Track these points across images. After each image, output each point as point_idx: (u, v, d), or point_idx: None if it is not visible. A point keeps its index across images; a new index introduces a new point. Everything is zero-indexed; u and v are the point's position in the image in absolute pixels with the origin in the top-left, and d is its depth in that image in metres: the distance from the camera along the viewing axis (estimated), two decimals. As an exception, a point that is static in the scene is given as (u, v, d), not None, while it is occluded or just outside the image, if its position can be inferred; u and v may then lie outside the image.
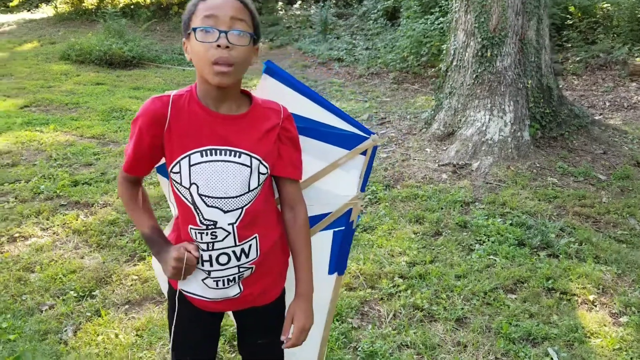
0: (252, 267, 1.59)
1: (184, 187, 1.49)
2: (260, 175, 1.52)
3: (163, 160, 1.57)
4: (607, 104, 8.30)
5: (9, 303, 3.05)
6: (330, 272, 1.92)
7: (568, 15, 10.29)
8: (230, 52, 1.40)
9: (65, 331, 2.84)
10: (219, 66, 1.39)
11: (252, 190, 1.52)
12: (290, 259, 1.72)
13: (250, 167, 1.50)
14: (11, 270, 3.37)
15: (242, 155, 1.49)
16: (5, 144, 5.70)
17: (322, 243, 1.85)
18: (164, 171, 1.63)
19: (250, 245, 1.55)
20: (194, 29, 1.41)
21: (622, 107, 8.11)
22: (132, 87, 8.71)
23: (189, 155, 1.47)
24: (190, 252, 1.51)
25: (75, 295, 3.14)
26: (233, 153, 1.49)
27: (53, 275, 3.31)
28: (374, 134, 1.81)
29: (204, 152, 1.47)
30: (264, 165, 1.52)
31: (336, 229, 1.87)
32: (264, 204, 1.57)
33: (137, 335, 2.81)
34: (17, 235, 3.82)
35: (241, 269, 1.57)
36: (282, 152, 1.58)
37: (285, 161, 1.60)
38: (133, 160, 1.54)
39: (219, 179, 1.48)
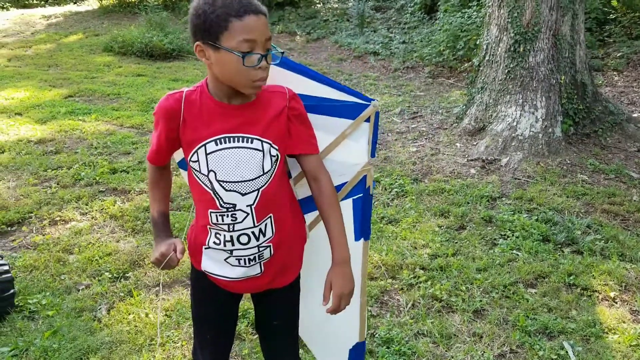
0: (270, 246, 1.69)
1: (203, 175, 1.61)
2: (272, 158, 1.63)
3: (182, 155, 1.70)
4: (647, 101, 8.11)
5: (49, 282, 3.24)
6: (357, 238, 1.97)
7: (611, 10, 10.06)
8: (266, 71, 1.54)
9: (99, 309, 3.02)
10: (258, 82, 1.54)
11: (267, 172, 1.62)
12: (320, 233, 1.80)
13: (262, 151, 1.61)
14: (51, 251, 3.57)
15: (254, 141, 1.60)
16: (50, 132, 5.96)
17: (343, 212, 1.89)
18: (184, 165, 1.77)
19: (265, 225, 1.66)
20: (230, 50, 1.47)
21: (663, 105, 7.92)
22: (171, 78, 8.94)
23: (204, 145, 1.59)
24: (176, 253, 1.66)
25: (109, 276, 3.32)
26: (245, 139, 1.60)
27: (90, 257, 3.50)
28: (373, 100, 1.87)
29: (218, 141, 1.59)
30: (274, 148, 1.63)
31: (355, 197, 1.94)
32: (278, 185, 1.68)
33: (166, 315, 2.97)
34: (58, 219, 4.04)
35: (260, 249, 1.68)
36: (293, 131, 1.68)
37: (297, 139, 1.70)
38: (154, 152, 1.70)
39: (235, 164, 1.59)
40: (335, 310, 1.72)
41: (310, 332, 2.18)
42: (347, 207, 1.94)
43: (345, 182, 1.93)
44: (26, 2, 16.71)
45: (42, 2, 17.06)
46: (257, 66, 1.51)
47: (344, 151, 1.90)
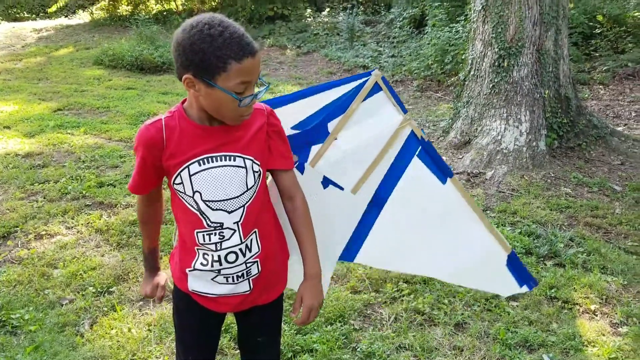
0: (257, 261, 1.73)
1: (188, 196, 1.63)
2: (255, 174, 1.66)
3: None
4: (633, 114, 8.20)
5: (32, 296, 3.24)
6: (444, 181, 2.00)
7: (597, 25, 10.20)
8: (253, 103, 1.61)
9: (82, 324, 3.02)
10: (246, 116, 1.61)
11: (250, 188, 1.66)
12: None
13: (245, 167, 1.64)
14: (36, 265, 3.57)
15: (237, 158, 1.64)
16: (38, 145, 5.97)
17: (418, 170, 1.99)
18: None
19: (251, 240, 1.70)
20: (226, 91, 1.51)
21: (649, 118, 8.02)
22: (161, 92, 8.97)
23: (188, 166, 1.61)
24: (157, 296, 1.91)
25: (94, 291, 3.32)
26: (228, 158, 1.63)
27: (74, 272, 3.50)
28: (373, 70, 1.95)
29: (201, 161, 1.61)
30: (257, 164, 1.66)
31: (417, 153, 1.99)
32: (261, 201, 1.72)
33: (148, 330, 2.97)
34: (43, 233, 4.04)
35: (248, 264, 1.71)
36: (272, 147, 1.73)
37: (277, 154, 1.75)
38: (139, 181, 1.71)
39: (220, 183, 1.63)
40: (304, 322, 1.77)
41: (463, 277, 2.16)
42: (417, 164, 1.99)
43: (399, 150, 1.98)
44: (17, 15, 16.74)
45: (33, 16, 17.09)
46: (248, 104, 1.57)
47: (376, 126, 1.97)
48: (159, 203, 1.84)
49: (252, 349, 1.97)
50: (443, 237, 2.05)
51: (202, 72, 1.51)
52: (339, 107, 1.94)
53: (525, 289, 2.08)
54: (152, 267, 1.93)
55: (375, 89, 1.95)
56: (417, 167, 1.99)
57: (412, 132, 1.97)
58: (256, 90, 1.59)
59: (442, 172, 2.00)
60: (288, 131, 1.88)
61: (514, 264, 2.07)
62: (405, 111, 1.99)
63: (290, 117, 1.92)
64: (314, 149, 1.97)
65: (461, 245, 2.05)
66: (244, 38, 1.51)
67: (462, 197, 2.02)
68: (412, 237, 2.06)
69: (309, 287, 1.77)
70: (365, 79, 1.93)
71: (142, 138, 1.62)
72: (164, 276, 1.92)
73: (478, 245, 2.02)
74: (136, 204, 1.86)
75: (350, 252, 2.10)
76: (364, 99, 1.95)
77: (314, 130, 1.96)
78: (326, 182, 2.01)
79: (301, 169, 1.97)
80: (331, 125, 1.95)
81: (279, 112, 1.83)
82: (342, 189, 2.01)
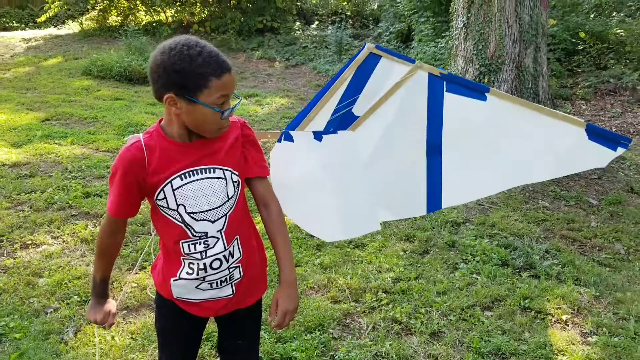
0: (239, 266, 1.83)
1: (172, 210, 1.73)
2: (234, 183, 1.77)
3: None
4: (614, 129, 8.38)
5: (18, 305, 3.30)
6: (484, 98, 2.03)
7: (579, 41, 10.43)
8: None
9: (66, 332, 3.08)
10: (225, 128, 1.72)
11: (231, 197, 1.76)
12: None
13: (225, 178, 1.75)
14: (21, 275, 3.62)
15: (216, 170, 1.74)
16: (25, 155, 6.01)
17: (455, 102, 2.03)
18: None
19: (233, 247, 1.80)
20: (208, 106, 1.63)
21: (628, 133, 8.20)
22: (149, 102, 9.03)
23: (170, 182, 1.71)
24: (108, 323, 1.92)
25: (78, 299, 3.38)
26: (208, 170, 1.73)
27: (59, 281, 3.56)
28: (366, 44, 2.08)
29: (182, 176, 1.71)
30: (235, 174, 1.77)
31: (445, 89, 2.04)
32: (242, 210, 1.83)
33: (131, 338, 3.04)
34: (29, 242, 4.09)
35: (231, 269, 1.81)
36: (247, 156, 1.84)
37: (252, 163, 1.85)
38: (120, 202, 1.74)
39: (202, 194, 1.73)
40: (279, 325, 1.86)
41: (555, 169, 2.12)
42: (453, 99, 2.04)
43: (423, 98, 2.06)
44: (6, 25, 16.74)
45: (23, 25, 17.10)
46: (227, 117, 1.68)
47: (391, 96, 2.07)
48: (121, 235, 1.87)
49: (232, 352, 2.05)
50: (513, 146, 2.04)
51: (184, 90, 1.61)
52: (354, 89, 2.05)
53: (620, 150, 1.96)
54: (102, 294, 1.93)
55: (374, 59, 2.04)
56: (453, 101, 2.03)
57: (430, 74, 2.03)
58: (232, 104, 1.71)
59: (478, 91, 2.04)
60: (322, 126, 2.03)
61: (596, 133, 1.99)
62: (413, 61, 2.05)
63: (312, 122, 2.05)
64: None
65: (536, 143, 2.03)
66: (220, 56, 1.64)
67: (510, 101, 2.04)
68: (484, 162, 2.09)
69: (284, 292, 1.86)
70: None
71: (123, 159, 1.69)
72: (114, 303, 1.95)
73: (551, 134, 1.99)
74: (99, 234, 1.86)
75: (434, 202, 2.17)
76: (369, 72, 2.05)
77: (343, 120, 2.09)
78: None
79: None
80: (356, 109, 2.06)
81: (287, 150, 2.03)
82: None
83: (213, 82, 1.61)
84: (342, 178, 2.14)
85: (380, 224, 2.28)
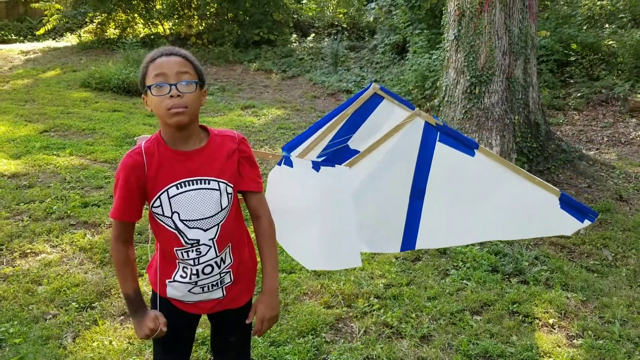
0: (229, 271, 1.93)
1: (167, 217, 1.83)
2: (228, 195, 1.87)
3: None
4: (605, 139, 8.51)
5: (17, 311, 3.37)
6: (472, 154, 2.16)
7: (572, 52, 10.58)
8: (182, 99, 1.75)
9: (65, 337, 3.15)
10: (174, 109, 1.74)
11: (224, 208, 1.86)
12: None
13: (219, 190, 1.84)
14: (21, 282, 3.70)
15: (212, 182, 1.84)
16: (24, 166, 6.10)
17: (445, 153, 2.15)
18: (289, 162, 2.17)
19: (225, 254, 1.90)
20: (149, 87, 1.75)
21: (619, 143, 8.33)
22: (146, 114, 9.12)
23: (167, 190, 1.81)
24: (161, 326, 1.90)
25: (76, 306, 3.46)
26: (203, 181, 1.83)
27: (58, 288, 3.63)
28: (371, 83, 2.18)
29: (179, 185, 1.81)
30: (230, 186, 1.87)
31: (437, 139, 2.16)
32: (234, 219, 1.92)
33: (129, 342, 3.11)
34: (28, 251, 4.17)
35: (222, 274, 1.92)
36: (242, 171, 1.92)
37: (247, 178, 1.94)
38: (122, 205, 1.83)
39: (196, 204, 1.83)
40: (257, 331, 1.99)
41: (524, 230, 2.30)
42: (444, 150, 2.16)
43: (419, 148, 2.17)
44: (5, 38, 16.88)
45: (21, 38, 17.24)
46: (168, 94, 1.74)
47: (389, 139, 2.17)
48: (130, 242, 1.93)
49: (224, 349, 2.15)
50: (491, 202, 2.19)
51: (142, 85, 1.80)
52: (353, 124, 2.15)
53: (587, 222, 2.13)
54: (140, 306, 1.92)
55: (377, 99, 2.15)
56: (443, 152, 2.16)
57: (426, 123, 2.15)
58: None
59: (467, 146, 2.16)
60: (315, 157, 2.13)
61: (568, 204, 2.13)
62: (412, 107, 2.17)
63: (312, 151, 2.16)
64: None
65: (512, 203, 2.18)
66: (165, 48, 1.79)
67: (494, 161, 2.17)
68: (462, 212, 2.22)
69: (264, 300, 1.97)
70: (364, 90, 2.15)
71: (125, 164, 1.81)
72: (155, 310, 1.94)
73: (527, 198, 2.14)
74: (112, 249, 1.93)
75: (409, 241, 2.29)
76: (370, 111, 2.15)
77: (338, 152, 2.19)
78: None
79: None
80: (352, 144, 2.16)
81: (288, 174, 2.13)
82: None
83: (149, 66, 1.77)
84: (331, 211, 2.25)
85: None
